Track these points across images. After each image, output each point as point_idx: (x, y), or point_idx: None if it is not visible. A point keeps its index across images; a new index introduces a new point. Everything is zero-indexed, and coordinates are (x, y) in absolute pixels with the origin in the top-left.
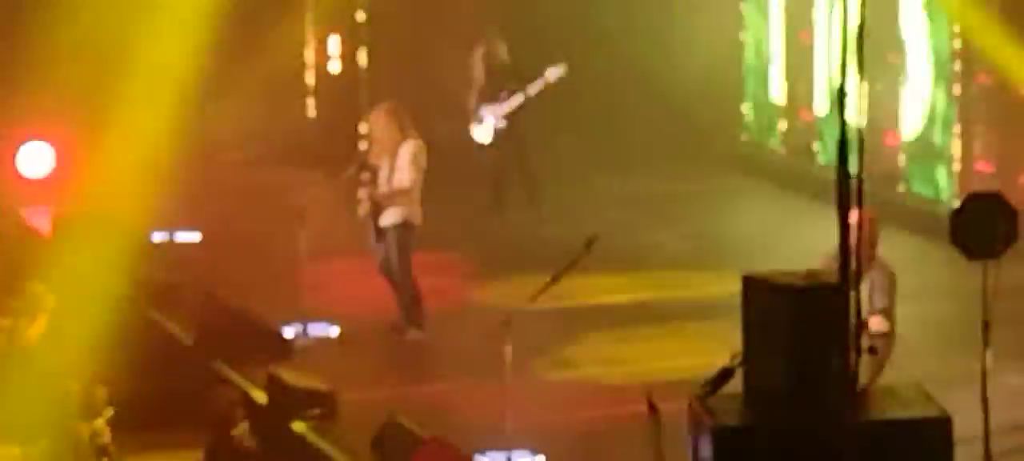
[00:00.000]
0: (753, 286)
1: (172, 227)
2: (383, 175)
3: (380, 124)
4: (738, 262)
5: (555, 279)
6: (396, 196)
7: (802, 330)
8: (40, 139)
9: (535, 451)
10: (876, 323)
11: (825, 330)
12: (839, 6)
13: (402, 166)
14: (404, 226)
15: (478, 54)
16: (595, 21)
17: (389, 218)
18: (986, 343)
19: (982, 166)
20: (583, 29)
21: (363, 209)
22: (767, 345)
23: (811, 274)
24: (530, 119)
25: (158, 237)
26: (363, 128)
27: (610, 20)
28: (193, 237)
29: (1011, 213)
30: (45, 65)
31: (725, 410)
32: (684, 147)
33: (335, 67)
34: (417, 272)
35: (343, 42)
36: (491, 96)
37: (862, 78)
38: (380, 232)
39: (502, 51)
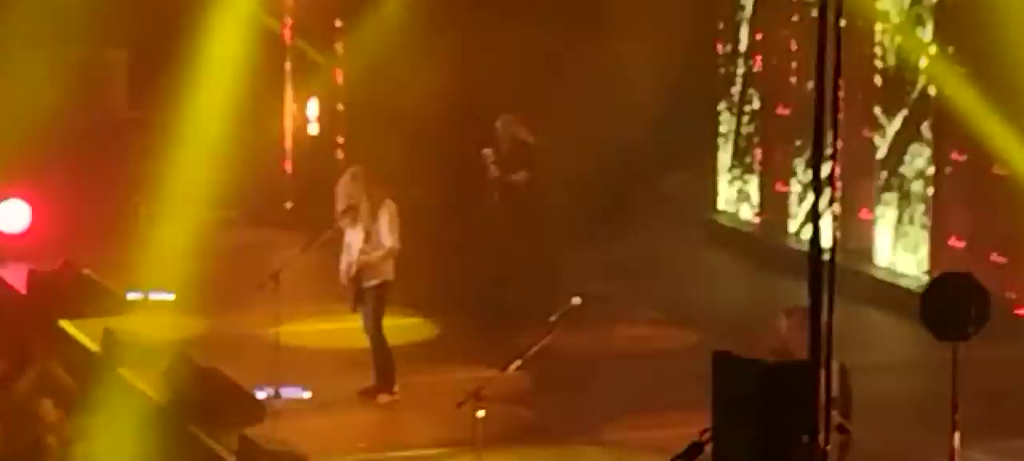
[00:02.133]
0: (723, 362)
1: (147, 286)
2: (360, 238)
3: (356, 188)
4: (710, 335)
5: (529, 349)
6: (382, 259)
7: (771, 407)
8: (16, 197)
9: None
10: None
11: (794, 408)
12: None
13: (383, 229)
14: (382, 286)
15: (500, 125)
16: (571, 88)
17: (370, 279)
18: (954, 424)
19: (954, 242)
20: (557, 96)
21: (347, 273)
22: (736, 421)
23: (782, 349)
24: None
25: (133, 296)
26: (338, 191)
27: (583, 87)
28: (167, 297)
29: (982, 294)
30: (20, 122)
31: None
32: (658, 216)
33: (314, 129)
34: (389, 334)
35: (322, 105)
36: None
37: (836, 156)
38: (360, 294)
39: (521, 131)
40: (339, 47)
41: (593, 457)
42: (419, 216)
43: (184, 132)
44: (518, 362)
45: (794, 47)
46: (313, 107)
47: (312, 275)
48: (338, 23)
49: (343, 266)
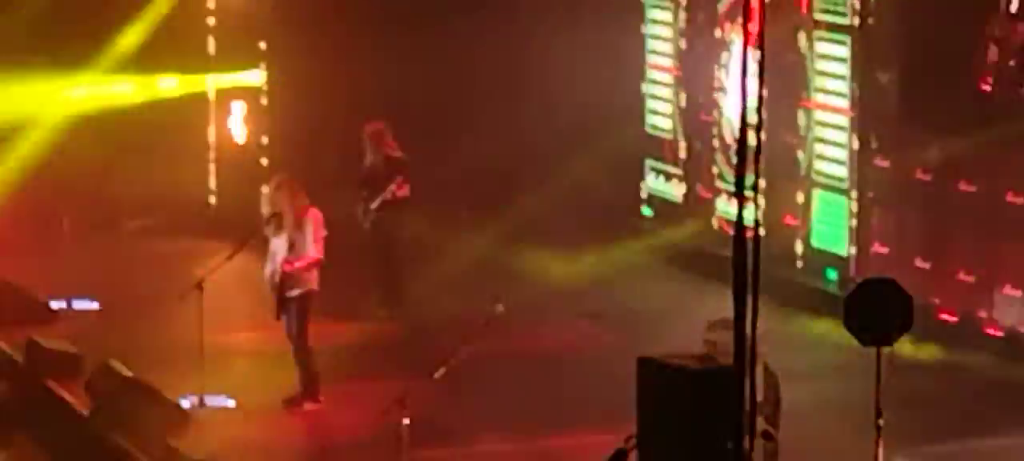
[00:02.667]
0: (647, 368)
1: (70, 295)
2: (285, 247)
3: (280, 196)
4: (636, 340)
5: (453, 355)
6: (307, 268)
7: (696, 413)
8: None
9: None
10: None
11: (719, 413)
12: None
13: (307, 239)
14: (307, 295)
15: (366, 135)
16: (492, 87)
17: (294, 289)
18: (878, 429)
19: (878, 248)
20: (477, 95)
21: (271, 280)
22: (661, 427)
23: (707, 356)
24: (405, 219)
25: (56, 305)
26: (263, 198)
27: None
28: (91, 305)
29: (905, 300)
30: None
31: None
32: (586, 222)
33: (239, 135)
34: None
35: (247, 110)
36: (376, 184)
37: (760, 161)
38: (284, 302)
39: (392, 146)
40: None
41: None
42: (344, 224)
43: (105, 140)
44: (443, 369)
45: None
46: (238, 113)
47: (236, 284)
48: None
49: (267, 274)
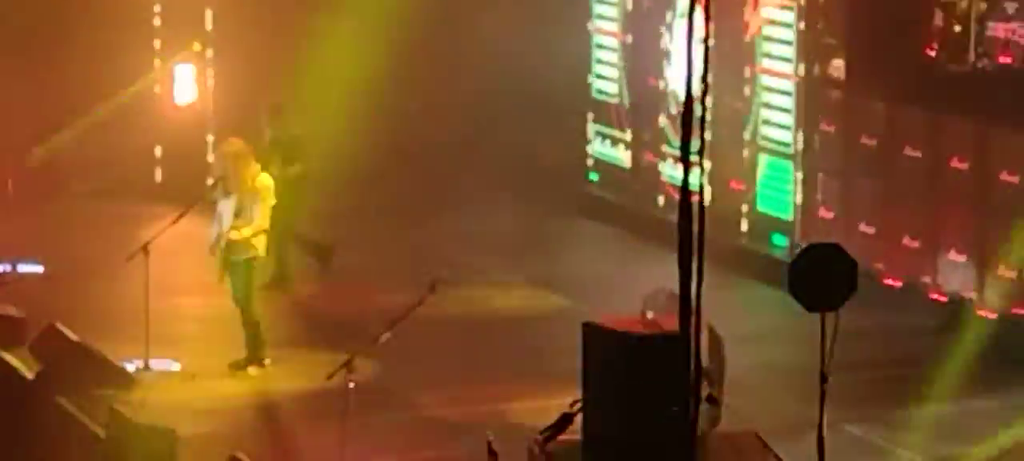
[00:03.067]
0: (592, 334)
1: (14, 258)
2: (231, 211)
3: (228, 161)
4: (582, 305)
5: (398, 320)
6: (254, 235)
7: (640, 378)
8: None
9: None
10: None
11: (663, 378)
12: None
13: (254, 205)
14: (253, 261)
15: (263, 114)
16: (444, 55)
17: (240, 254)
18: (823, 395)
19: (823, 213)
20: (430, 62)
21: (216, 245)
22: (605, 392)
23: (652, 321)
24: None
25: (1, 268)
26: (211, 162)
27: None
28: (36, 269)
29: (850, 264)
30: None
31: (563, 456)
32: (532, 187)
33: (184, 98)
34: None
35: (195, 72)
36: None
37: (707, 125)
38: (230, 267)
39: (291, 124)
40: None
41: (463, 426)
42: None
43: (50, 104)
44: (388, 334)
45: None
46: (186, 73)
47: (183, 247)
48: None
49: (212, 237)
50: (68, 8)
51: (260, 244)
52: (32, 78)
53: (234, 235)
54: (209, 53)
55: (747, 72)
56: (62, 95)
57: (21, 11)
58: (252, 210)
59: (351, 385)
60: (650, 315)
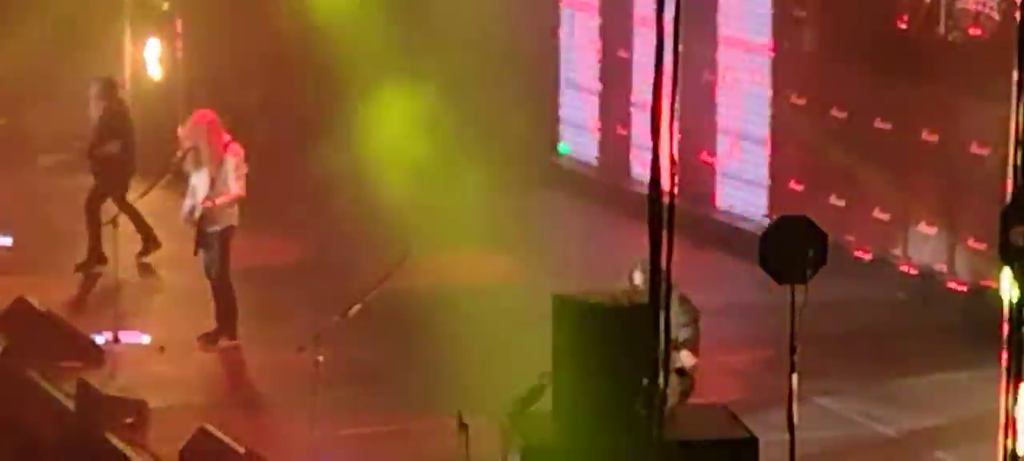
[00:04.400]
0: (562, 305)
1: None
2: (206, 183)
3: (200, 132)
4: (552, 277)
5: (368, 293)
6: (229, 204)
7: (610, 350)
8: None
9: None
10: (685, 358)
11: (633, 350)
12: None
13: (229, 175)
14: (228, 230)
15: (93, 92)
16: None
17: (216, 224)
18: (793, 366)
19: (793, 185)
20: (396, 35)
21: (190, 216)
22: (576, 364)
23: (622, 293)
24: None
25: None
26: (181, 134)
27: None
28: (4, 241)
29: (820, 236)
30: None
31: (534, 428)
32: (502, 159)
33: (154, 71)
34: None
35: (163, 47)
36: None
37: (676, 97)
38: (205, 238)
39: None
40: None
41: (433, 399)
42: (265, 161)
43: (16, 74)
44: (358, 306)
45: None
46: (153, 49)
47: (152, 219)
48: None
49: (186, 208)
50: None
51: (234, 214)
52: (2, 48)
53: (207, 206)
54: (178, 26)
55: (717, 43)
56: (30, 66)
57: None
58: (226, 180)
59: (320, 358)
60: (638, 279)
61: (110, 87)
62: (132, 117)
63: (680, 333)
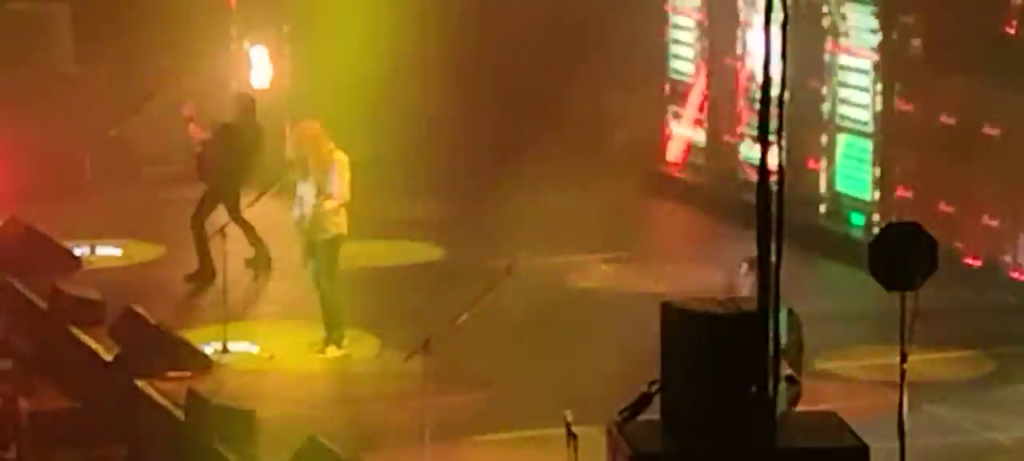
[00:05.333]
0: (671, 312)
1: (93, 240)
2: (312, 191)
3: (307, 143)
4: (659, 284)
5: (476, 301)
6: (334, 212)
7: (720, 357)
8: None
9: None
10: (790, 366)
11: (743, 357)
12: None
13: (334, 182)
14: (336, 239)
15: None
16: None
17: (322, 233)
18: (903, 374)
19: (902, 192)
20: (506, 41)
21: (300, 227)
22: (685, 371)
23: (730, 300)
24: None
25: (80, 251)
26: (288, 143)
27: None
28: (114, 252)
29: (931, 244)
30: None
31: (642, 436)
32: (610, 167)
33: (260, 80)
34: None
35: (270, 55)
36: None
37: (784, 104)
38: (313, 247)
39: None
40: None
41: (541, 406)
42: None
43: (129, 86)
44: (465, 315)
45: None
46: (261, 57)
47: (261, 229)
48: None
49: (296, 218)
50: None
51: (343, 222)
52: (114, 60)
53: (316, 213)
54: (285, 34)
55: (825, 50)
56: (141, 78)
57: None
58: (332, 187)
59: (429, 366)
60: (745, 271)
61: (243, 101)
62: (256, 133)
63: (785, 341)
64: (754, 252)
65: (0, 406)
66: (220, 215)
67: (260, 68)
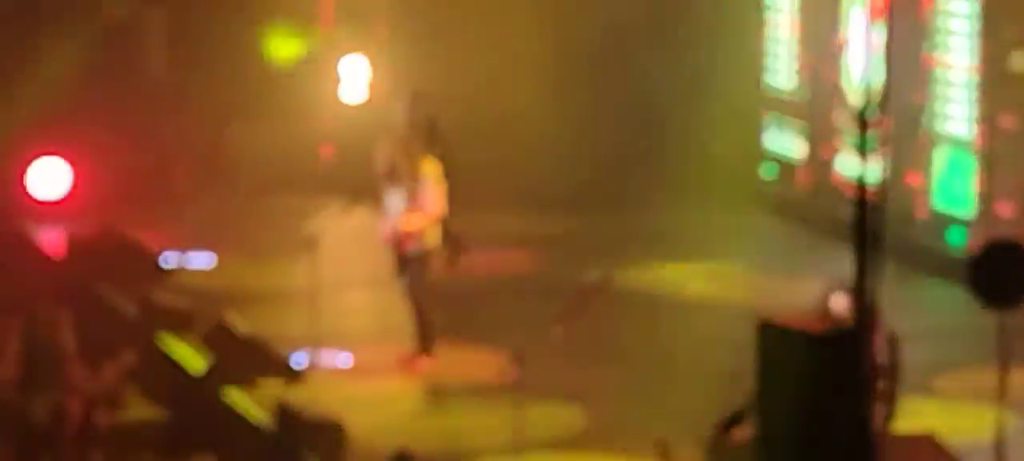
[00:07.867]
0: (767, 331)
1: (185, 249)
2: (402, 202)
3: (396, 150)
4: (756, 298)
5: (568, 314)
6: (425, 224)
7: (816, 376)
8: (54, 155)
9: None
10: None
11: (839, 376)
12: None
13: (425, 193)
14: (427, 253)
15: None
16: (619, 54)
17: (413, 246)
18: (1002, 393)
19: (1002, 208)
20: (602, 55)
21: (389, 238)
22: (780, 390)
23: (827, 318)
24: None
25: (171, 260)
26: (379, 154)
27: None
28: (206, 260)
29: None
30: (57, 84)
31: (738, 453)
32: (705, 180)
33: (355, 90)
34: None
35: (367, 65)
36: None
37: (884, 118)
38: (404, 260)
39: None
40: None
41: (635, 421)
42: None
43: (223, 94)
44: (558, 327)
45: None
46: (356, 68)
47: (352, 239)
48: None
49: (385, 231)
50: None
51: (434, 234)
52: (206, 67)
53: (407, 227)
54: (379, 44)
55: (924, 62)
56: (232, 87)
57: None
58: (422, 199)
59: (521, 380)
60: (836, 304)
61: (420, 100)
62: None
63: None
64: (849, 270)
65: (81, 417)
66: (310, 225)
67: (357, 79)
